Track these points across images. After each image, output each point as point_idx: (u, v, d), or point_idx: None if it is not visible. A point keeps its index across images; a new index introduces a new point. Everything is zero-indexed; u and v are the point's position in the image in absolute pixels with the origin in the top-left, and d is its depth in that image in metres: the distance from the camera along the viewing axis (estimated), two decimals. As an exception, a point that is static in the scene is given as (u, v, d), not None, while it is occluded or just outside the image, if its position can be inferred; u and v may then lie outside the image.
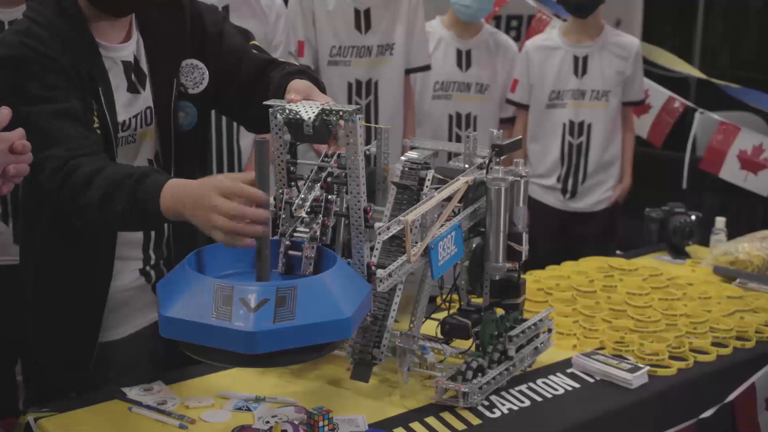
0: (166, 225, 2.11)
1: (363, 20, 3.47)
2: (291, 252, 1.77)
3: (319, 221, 1.78)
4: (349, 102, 3.47)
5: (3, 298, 2.42)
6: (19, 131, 1.66)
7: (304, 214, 1.77)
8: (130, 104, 1.99)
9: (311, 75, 2.03)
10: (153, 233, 2.11)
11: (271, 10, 3.11)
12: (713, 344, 2.37)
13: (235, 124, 3.08)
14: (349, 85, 3.48)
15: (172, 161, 2.07)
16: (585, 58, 4.01)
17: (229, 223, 1.59)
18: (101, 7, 1.92)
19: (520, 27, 5.73)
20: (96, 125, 1.92)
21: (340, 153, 1.82)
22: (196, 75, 2.06)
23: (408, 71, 3.67)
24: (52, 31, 1.89)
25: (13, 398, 2.63)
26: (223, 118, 3.04)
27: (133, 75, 2.00)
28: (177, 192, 1.70)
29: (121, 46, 1.99)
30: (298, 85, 1.90)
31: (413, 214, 1.82)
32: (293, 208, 1.79)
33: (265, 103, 1.84)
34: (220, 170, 3.06)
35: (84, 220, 1.86)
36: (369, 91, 3.52)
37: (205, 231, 1.65)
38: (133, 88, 2.00)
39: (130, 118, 2.00)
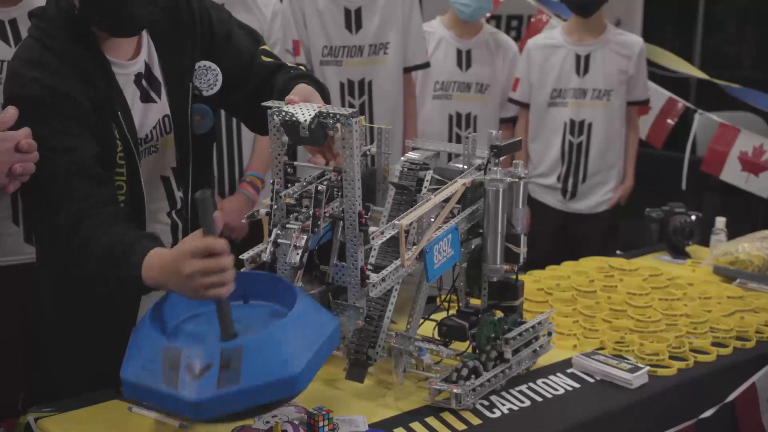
0: (189, 220, 2.12)
1: (353, 20, 3.46)
2: (280, 240, 1.76)
3: (311, 212, 1.77)
4: (342, 102, 3.46)
5: (12, 298, 2.42)
6: (25, 130, 1.66)
7: (292, 201, 1.77)
8: (146, 115, 1.99)
9: (315, 80, 2.04)
10: (180, 233, 2.11)
11: (267, 7, 3.10)
12: (713, 344, 2.37)
13: (235, 124, 3.08)
14: (342, 85, 3.47)
15: (191, 166, 2.08)
16: (587, 57, 4.01)
17: (210, 280, 1.59)
18: (107, 31, 1.90)
19: (520, 27, 5.75)
20: (120, 148, 1.91)
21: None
22: (209, 77, 2.06)
23: (407, 69, 3.66)
24: (64, 57, 1.85)
25: (14, 398, 2.63)
26: (222, 119, 3.04)
27: (145, 82, 1.99)
28: (157, 273, 1.70)
29: (132, 62, 1.97)
30: (299, 89, 1.92)
31: (408, 218, 1.82)
32: (282, 195, 1.79)
33: (263, 104, 1.85)
34: (220, 171, 3.06)
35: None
36: (363, 91, 3.51)
37: (198, 298, 1.65)
38: (146, 98, 1.99)
39: (151, 130, 2.00)
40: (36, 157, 1.68)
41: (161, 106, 2.02)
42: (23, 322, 2.31)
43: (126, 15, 1.86)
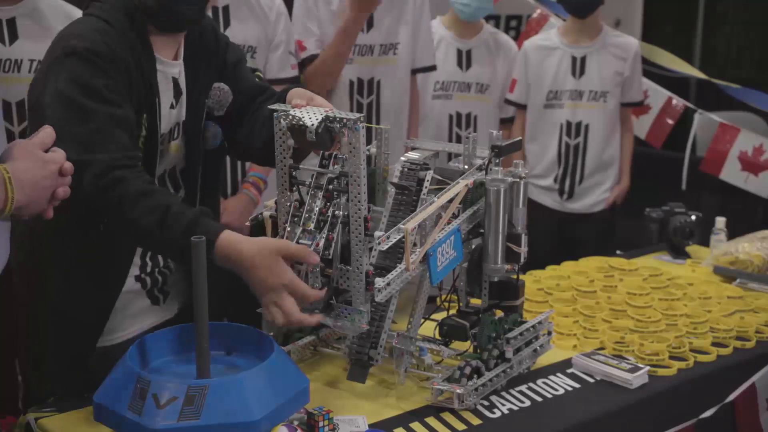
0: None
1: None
2: (296, 266, 1.79)
3: (324, 235, 1.79)
4: (351, 100, 3.47)
5: (9, 295, 2.41)
6: (63, 153, 1.64)
7: (312, 228, 1.79)
8: (167, 118, 2.03)
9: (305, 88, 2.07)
10: None
11: (271, 9, 3.10)
12: (713, 344, 2.37)
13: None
14: (351, 83, 3.47)
15: (199, 179, 2.11)
16: (583, 59, 4.02)
17: (284, 320, 1.77)
18: (159, 25, 1.96)
19: (519, 27, 5.74)
20: (143, 134, 1.94)
21: (337, 154, 1.84)
22: (222, 98, 2.10)
23: (414, 71, 3.67)
24: (123, 36, 1.91)
25: (14, 398, 2.63)
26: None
27: (174, 88, 2.04)
28: (233, 253, 1.76)
29: (174, 63, 2.02)
30: (299, 91, 1.96)
31: (412, 223, 1.82)
32: (302, 222, 1.82)
33: (269, 107, 1.87)
34: (223, 180, 3.05)
35: (119, 231, 1.88)
36: (371, 90, 3.51)
37: (263, 304, 1.79)
38: (172, 104, 2.04)
39: (164, 133, 2.03)
40: (69, 181, 1.67)
41: (176, 113, 2.06)
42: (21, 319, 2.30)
43: (173, 12, 1.93)
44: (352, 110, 3.44)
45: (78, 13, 2.53)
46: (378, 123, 3.43)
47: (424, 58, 3.68)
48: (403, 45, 3.54)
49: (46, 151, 1.62)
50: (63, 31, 1.95)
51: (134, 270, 2.10)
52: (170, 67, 2.02)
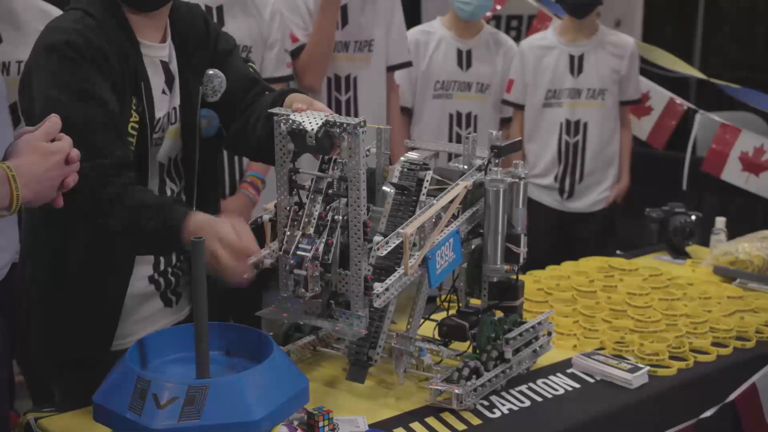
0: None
1: (340, 16, 3.46)
2: (296, 271, 1.80)
3: (323, 239, 1.78)
4: (329, 97, 3.47)
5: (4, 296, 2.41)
6: (69, 140, 1.64)
7: (311, 232, 1.79)
8: (161, 103, 2.03)
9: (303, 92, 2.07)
10: None
11: (265, 8, 3.10)
12: (713, 344, 2.37)
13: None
14: (329, 80, 3.47)
15: (196, 167, 2.11)
16: (581, 57, 4.02)
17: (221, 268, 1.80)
18: (134, 4, 1.96)
19: (520, 27, 5.75)
20: (134, 120, 1.95)
21: (337, 159, 1.84)
22: (215, 84, 2.10)
23: (389, 68, 3.66)
24: (102, 24, 1.92)
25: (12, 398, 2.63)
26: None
27: (164, 73, 2.04)
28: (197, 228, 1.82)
29: (160, 46, 2.03)
30: (299, 96, 1.96)
31: (411, 227, 1.82)
32: (302, 226, 1.82)
33: (269, 111, 1.87)
34: (221, 171, 3.05)
35: (115, 239, 1.94)
36: (348, 87, 3.52)
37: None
38: (164, 90, 2.04)
39: (161, 117, 2.03)
40: (78, 167, 1.66)
41: (172, 99, 2.06)
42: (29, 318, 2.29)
43: None
44: (330, 107, 3.43)
45: (51, 7, 2.53)
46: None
47: (398, 55, 3.67)
48: (378, 42, 3.54)
49: (53, 140, 1.62)
50: (45, 27, 1.96)
51: (148, 270, 2.10)
52: (156, 50, 2.02)
